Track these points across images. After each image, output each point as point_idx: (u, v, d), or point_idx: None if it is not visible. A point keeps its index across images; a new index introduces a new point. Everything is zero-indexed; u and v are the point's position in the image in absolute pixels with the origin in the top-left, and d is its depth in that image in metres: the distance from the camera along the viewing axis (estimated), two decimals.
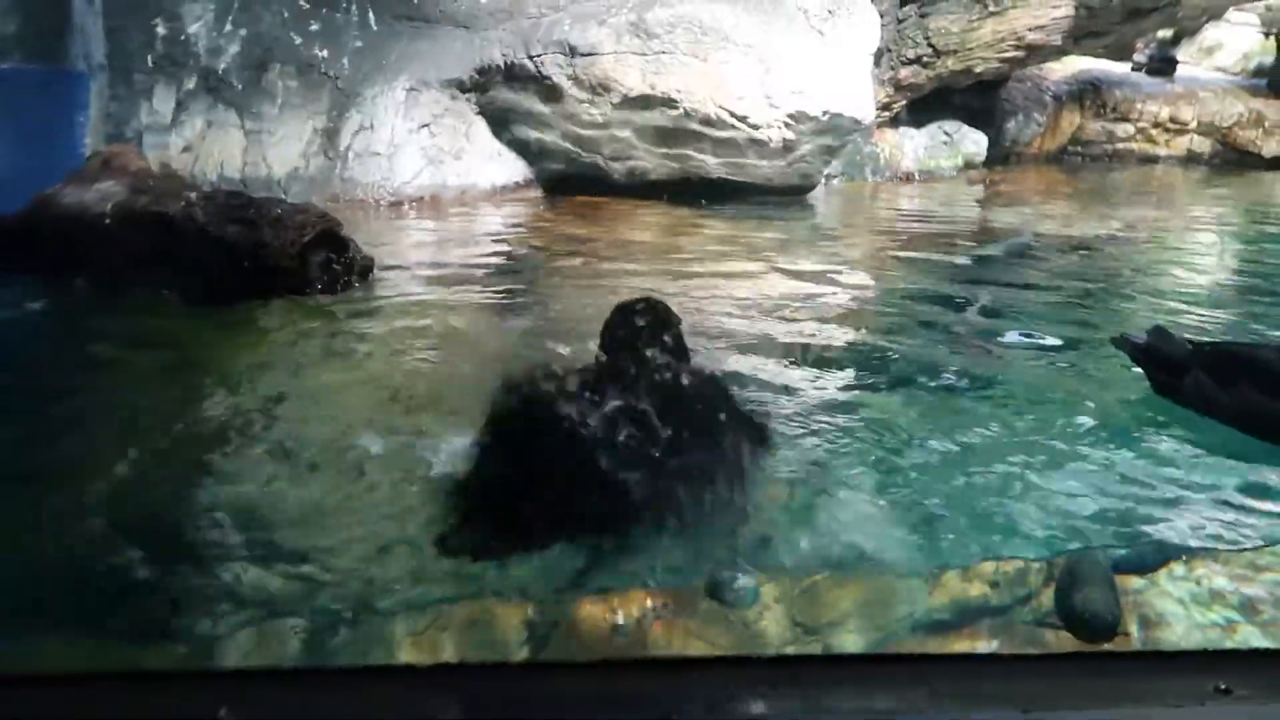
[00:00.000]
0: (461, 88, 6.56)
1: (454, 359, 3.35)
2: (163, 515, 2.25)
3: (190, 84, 6.24)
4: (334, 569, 2.02)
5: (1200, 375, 2.78)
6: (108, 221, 3.90)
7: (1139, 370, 3.03)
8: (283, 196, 5.86)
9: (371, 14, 6.58)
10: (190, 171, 5.95)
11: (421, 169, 6.30)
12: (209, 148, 6.16)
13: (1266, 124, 10.43)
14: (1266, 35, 10.61)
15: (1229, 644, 2.20)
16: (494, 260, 5.01)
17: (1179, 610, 2.22)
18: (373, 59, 6.47)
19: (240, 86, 6.22)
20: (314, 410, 2.86)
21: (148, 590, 1.96)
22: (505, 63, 6.43)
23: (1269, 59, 10.67)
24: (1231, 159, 10.52)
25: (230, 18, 6.32)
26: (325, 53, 6.44)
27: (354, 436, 2.62)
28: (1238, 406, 2.68)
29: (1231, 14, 10.79)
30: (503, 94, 6.59)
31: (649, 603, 2.06)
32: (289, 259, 3.80)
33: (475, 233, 5.75)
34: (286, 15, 6.46)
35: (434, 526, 2.05)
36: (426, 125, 6.40)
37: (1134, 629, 2.19)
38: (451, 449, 2.36)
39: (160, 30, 6.21)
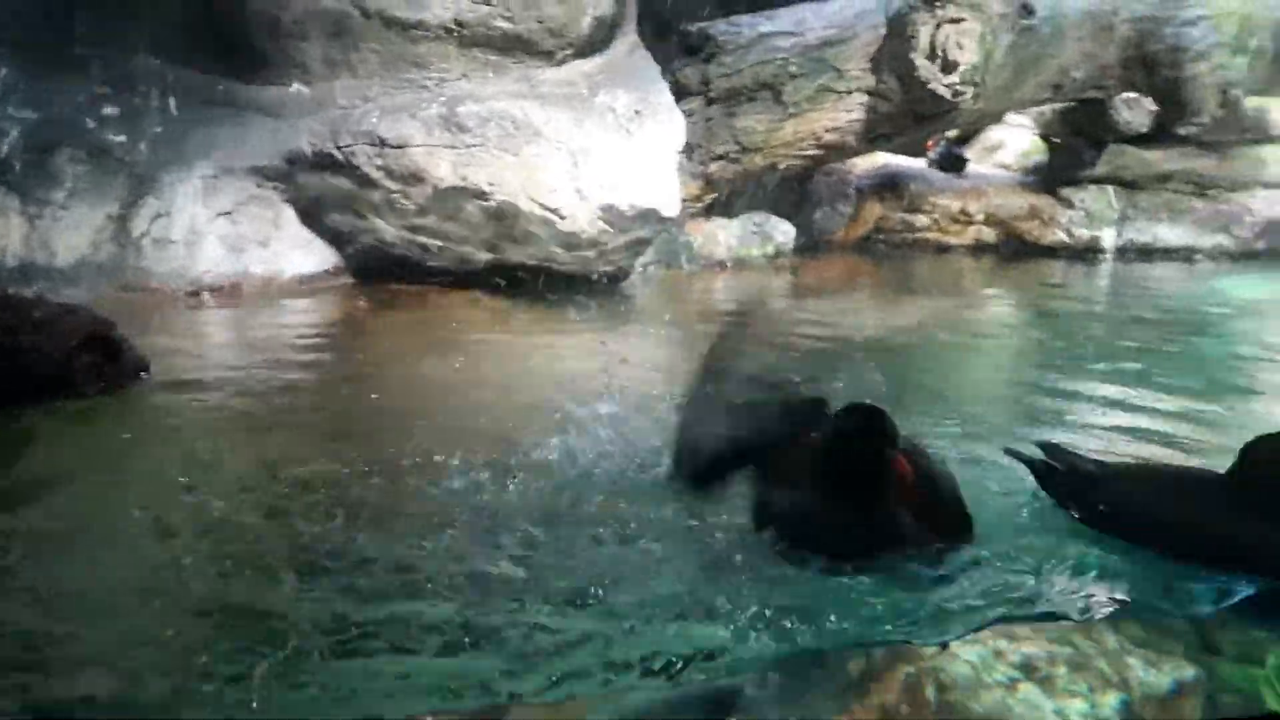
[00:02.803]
0: (268, 175, 6.45)
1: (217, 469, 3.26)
2: None
3: None
4: None
5: (1103, 494, 2.72)
6: None
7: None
8: (69, 286, 5.61)
9: (173, 100, 6.43)
10: None
11: (222, 257, 6.12)
12: None
13: (1043, 216, 11.48)
14: (1039, 137, 11.72)
15: None
16: (282, 354, 4.90)
17: None
18: (173, 145, 6.29)
19: (22, 170, 5.93)
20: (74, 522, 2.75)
21: None
22: (313, 152, 6.38)
23: (1043, 158, 11.79)
24: (1016, 248, 11.49)
25: (15, 98, 6.05)
26: (122, 137, 6.23)
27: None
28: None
29: (1010, 117, 11.86)
30: (312, 182, 6.52)
31: None
32: (53, 365, 3.62)
33: (272, 324, 5.62)
34: (80, 100, 6.23)
35: None
36: (228, 213, 6.25)
37: None
38: None
39: None
